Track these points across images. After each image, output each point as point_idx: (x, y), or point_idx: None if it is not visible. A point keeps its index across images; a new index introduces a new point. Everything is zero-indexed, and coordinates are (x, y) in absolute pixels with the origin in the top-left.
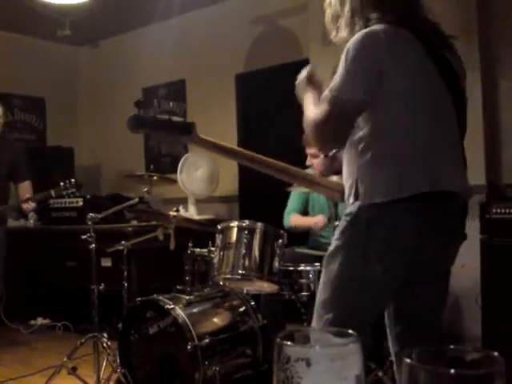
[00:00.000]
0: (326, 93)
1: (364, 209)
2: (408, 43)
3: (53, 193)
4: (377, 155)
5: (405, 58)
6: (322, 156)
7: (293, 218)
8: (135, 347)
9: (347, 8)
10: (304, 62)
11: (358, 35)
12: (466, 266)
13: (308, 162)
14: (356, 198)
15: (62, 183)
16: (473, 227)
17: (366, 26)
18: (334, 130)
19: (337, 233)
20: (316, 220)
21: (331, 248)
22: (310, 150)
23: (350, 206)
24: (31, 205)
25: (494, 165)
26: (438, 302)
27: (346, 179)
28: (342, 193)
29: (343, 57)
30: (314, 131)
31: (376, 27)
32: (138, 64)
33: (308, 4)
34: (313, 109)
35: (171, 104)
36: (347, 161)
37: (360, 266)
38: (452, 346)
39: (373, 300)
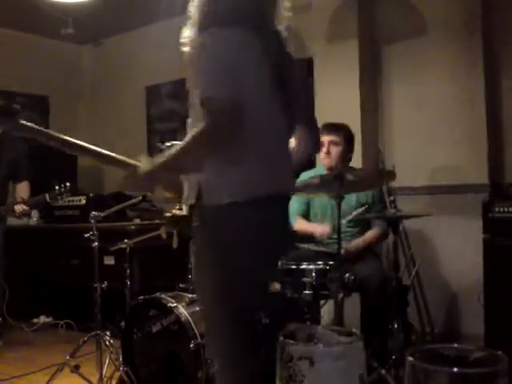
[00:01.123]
0: None
1: (209, 209)
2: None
3: (47, 197)
4: (221, 158)
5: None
6: (343, 145)
7: (297, 223)
8: (138, 345)
9: None
10: (308, 61)
11: None
12: (469, 264)
13: (325, 151)
14: (199, 197)
15: (57, 187)
16: (475, 226)
17: None
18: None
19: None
20: (321, 230)
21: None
22: (330, 137)
23: (196, 206)
24: (23, 207)
25: (497, 164)
26: None
27: (188, 178)
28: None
29: None
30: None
31: None
32: (141, 62)
33: (312, 3)
34: None
35: (174, 103)
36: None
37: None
38: (455, 345)
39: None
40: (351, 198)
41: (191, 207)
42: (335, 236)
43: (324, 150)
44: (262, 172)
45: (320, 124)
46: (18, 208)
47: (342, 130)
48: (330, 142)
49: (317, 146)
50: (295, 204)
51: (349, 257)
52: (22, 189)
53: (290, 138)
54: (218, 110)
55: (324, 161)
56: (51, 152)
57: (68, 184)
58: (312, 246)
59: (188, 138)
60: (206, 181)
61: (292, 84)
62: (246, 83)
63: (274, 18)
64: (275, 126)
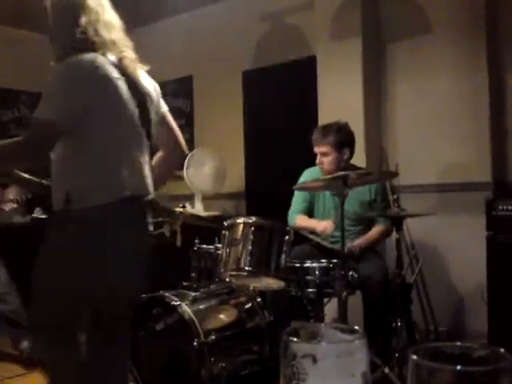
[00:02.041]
0: None
1: (75, 213)
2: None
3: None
4: (83, 166)
5: None
6: (333, 154)
7: (298, 220)
8: (141, 344)
9: None
10: (311, 59)
11: None
12: (472, 262)
13: (318, 161)
14: (66, 202)
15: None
16: (479, 224)
17: None
18: None
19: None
20: (324, 225)
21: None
22: (319, 149)
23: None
24: (12, 206)
25: (501, 162)
26: None
27: (54, 184)
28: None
29: None
30: None
31: None
32: (145, 60)
33: (315, 1)
34: None
35: (178, 100)
36: (56, 167)
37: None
38: (459, 343)
39: None
40: (352, 196)
41: (56, 212)
42: (338, 234)
43: (317, 160)
44: (112, 178)
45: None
46: (7, 206)
47: (329, 137)
48: (320, 153)
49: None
50: (297, 201)
51: (353, 256)
52: (13, 188)
53: (143, 150)
54: (37, 132)
55: (320, 169)
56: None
57: None
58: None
59: (5, 143)
60: (71, 186)
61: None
62: (90, 108)
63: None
64: (122, 140)
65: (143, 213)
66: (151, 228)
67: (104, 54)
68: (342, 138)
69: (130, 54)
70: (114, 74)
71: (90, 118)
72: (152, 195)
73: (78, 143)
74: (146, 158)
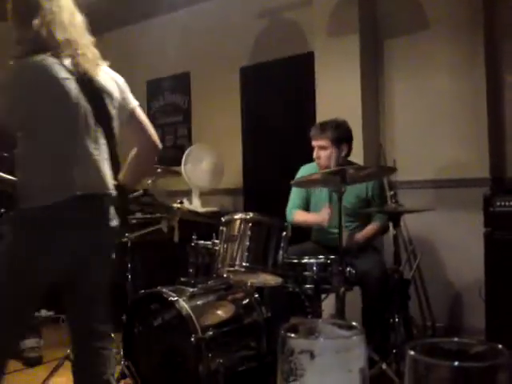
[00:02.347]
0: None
1: (22, 212)
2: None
3: None
4: (32, 166)
5: None
6: (331, 149)
7: (296, 215)
8: (139, 339)
9: None
10: (309, 55)
11: None
12: (470, 258)
13: (315, 155)
14: (19, 201)
15: None
16: (477, 220)
17: None
18: None
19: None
20: (322, 217)
21: None
22: (317, 142)
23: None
24: None
25: (499, 158)
26: None
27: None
28: None
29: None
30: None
31: None
32: (143, 56)
33: None
34: None
35: (176, 97)
36: (15, 166)
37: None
38: (456, 339)
39: None
40: (349, 192)
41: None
42: (336, 230)
43: (314, 154)
44: (61, 177)
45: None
46: None
47: (327, 132)
48: (318, 147)
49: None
50: (294, 198)
51: (351, 248)
52: None
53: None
54: None
55: (317, 164)
56: None
57: None
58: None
59: None
60: (22, 186)
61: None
62: (34, 110)
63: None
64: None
65: (96, 211)
66: (114, 223)
67: (56, 55)
68: (341, 134)
69: (89, 52)
70: (62, 74)
71: (36, 120)
72: (112, 192)
73: (28, 144)
74: (104, 156)
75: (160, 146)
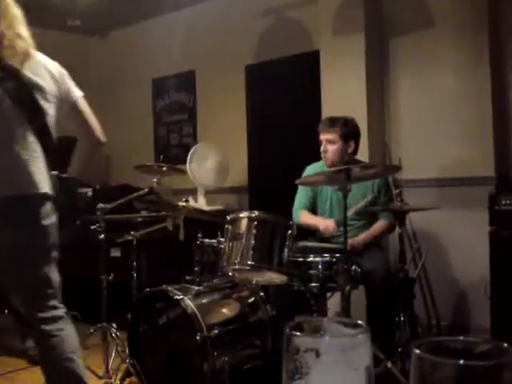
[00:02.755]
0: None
1: None
2: None
3: None
4: None
5: None
6: (339, 143)
7: (302, 216)
8: (144, 338)
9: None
10: (314, 53)
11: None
12: (475, 257)
13: (323, 148)
14: None
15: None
16: (482, 219)
17: None
18: None
19: None
20: (326, 224)
21: None
22: (325, 136)
23: None
24: None
25: (504, 157)
26: None
27: None
28: None
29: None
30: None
31: None
32: (148, 55)
33: None
34: None
35: (181, 95)
36: None
37: None
38: (461, 337)
39: None
40: (355, 191)
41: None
42: (341, 229)
43: (321, 148)
44: None
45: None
46: None
47: (336, 127)
48: (326, 140)
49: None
50: (300, 197)
51: (356, 250)
52: None
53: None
54: None
55: (324, 158)
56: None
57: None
58: (313, 243)
59: None
60: None
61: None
62: None
63: None
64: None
65: (20, 212)
66: (48, 222)
67: None
68: (349, 130)
69: (17, 44)
70: None
71: None
72: (44, 191)
73: None
74: (33, 154)
75: (103, 138)
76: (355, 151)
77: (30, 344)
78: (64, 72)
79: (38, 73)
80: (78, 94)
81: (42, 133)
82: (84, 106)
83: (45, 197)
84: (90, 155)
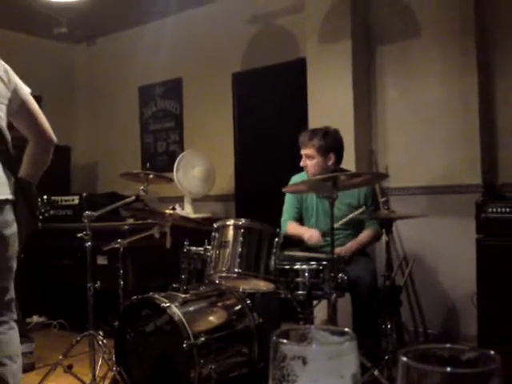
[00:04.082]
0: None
1: None
2: None
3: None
4: None
5: None
6: (318, 158)
7: (289, 228)
8: (131, 345)
9: None
10: (301, 61)
11: None
12: (462, 264)
13: (302, 163)
14: None
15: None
16: (469, 226)
17: None
18: None
19: None
20: (310, 234)
21: None
22: (304, 151)
23: None
24: None
25: (490, 165)
26: None
27: None
28: None
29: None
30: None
31: None
32: (135, 62)
33: (304, 3)
34: None
35: (168, 102)
36: None
37: None
38: (448, 345)
39: None
40: (340, 199)
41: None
42: (327, 239)
43: (301, 162)
44: None
45: (313, 126)
46: None
47: (314, 141)
48: (305, 155)
49: None
50: (287, 208)
51: (343, 259)
52: None
53: None
54: None
55: (306, 172)
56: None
57: (45, 197)
58: (299, 253)
59: None
60: None
61: None
62: None
63: None
64: None
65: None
66: (7, 232)
67: None
68: (328, 143)
69: None
70: None
71: None
72: (6, 196)
73: None
74: None
75: (54, 138)
76: (339, 162)
77: (22, 349)
78: (8, 68)
79: None
80: (26, 90)
81: None
82: (32, 104)
83: (6, 202)
84: (43, 156)
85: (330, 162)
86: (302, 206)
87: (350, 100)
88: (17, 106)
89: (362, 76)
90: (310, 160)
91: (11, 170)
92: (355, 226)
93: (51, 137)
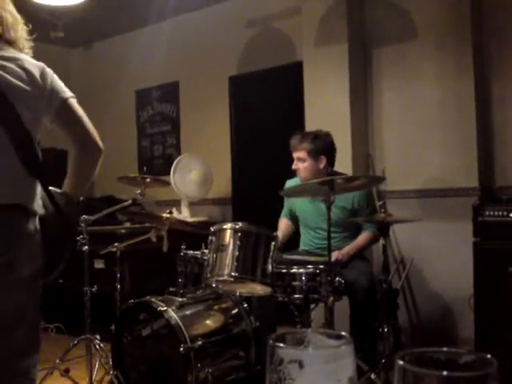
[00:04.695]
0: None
1: None
2: None
3: None
4: None
5: None
6: (309, 161)
7: (279, 224)
8: (128, 349)
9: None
10: (297, 65)
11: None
12: (459, 268)
13: (294, 166)
14: None
15: None
16: (466, 230)
17: None
18: None
19: None
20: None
21: None
22: (295, 154)
23: None
24: None
25: (487, 167)
26: None
27: None
28: None
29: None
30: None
31: None
32: (132, 66)
33: (301, 7)
34: None
35: (164, 106)
36: None
37: None
38: (445, 349)
39: None
40: (335, 203)
41: None
42: (325, 241)
43: (293, 165)
44: None
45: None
46: None
47: (304, 144)
48: (296, 158)
49: None
50: (284, 207)
51: (341, 263)
52: None
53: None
54: None
55: (298, 176)
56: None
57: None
58: (298, 256)
59: None
60: None
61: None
62: None
63: None
64: None
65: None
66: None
67: None
68: (318, 146)
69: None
70: None
71: None
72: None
73: None
74: (3, 161)
75: (101, 145)
76: (331, 165)
77: None
78: (47, 70)
79: (10, 71)
80: (67, 94)
81: (18, 137)
82: (75, 107)
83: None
84: (90, 166)
85: (322, 165)
86: (294, 209)
87: (346, 103)
88: (54, 110)
89: (359, 79)
90: (302, 163)
91: (35, 172)
92: (352, 229)
93: (95, 143)
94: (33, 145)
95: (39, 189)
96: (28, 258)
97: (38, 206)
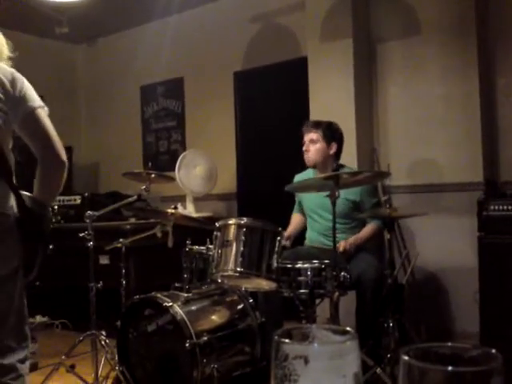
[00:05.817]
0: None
1: None
2: None
3: None
4: None
5: None
6: (321, 143)
7: (291, 219)
8: (133, 345)
9: None
10: (302, 60)
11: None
12: (464, 262)
13: (305, 148)
14: None
15: None
16: (470, 224)
17: None
18: None
19: None
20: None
21: None
22: (308, 136)
23: None
24: None
25: (492, 162)
26: None
27: None
28: None
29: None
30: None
31: None
32: (137, 62)
33: (305, 2)
34: None
35: (169, 102)
36: None
37: None
38: (450, 344)
39: None
40: (340, 196)
41: None
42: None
43: (304, 147)
44: None
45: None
46: None
47: (320, 127)
48: (309, 140)
49: None
50: (296, 202)
51: (348, 253)
52: None
53: None
54: None
55: (306, 159)
56: None
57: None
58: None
59: None
60: None
61: None
62: None
63: None
64: None
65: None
66: None
67: None
68: (332, 132)
69: None
70: None
71: None
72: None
73: None
74: None
75: (64, 159)
76: (338, 155)
77: None
78: (19, 79)
79: None
80: (36, 103)
81: None
82: (42, 117)
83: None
84: (54, 177)
85: (332, 151)
86: (302, 202)
87: (351, 98)
88: (20, 118)
89: (364, 74)
90: (314, 144)
91: (3, 174)
92: (356, 221)
93: (57, 158)
94: (2, 150)
95: (10, 192)
96: (2, 258)
97: (10, 207)
